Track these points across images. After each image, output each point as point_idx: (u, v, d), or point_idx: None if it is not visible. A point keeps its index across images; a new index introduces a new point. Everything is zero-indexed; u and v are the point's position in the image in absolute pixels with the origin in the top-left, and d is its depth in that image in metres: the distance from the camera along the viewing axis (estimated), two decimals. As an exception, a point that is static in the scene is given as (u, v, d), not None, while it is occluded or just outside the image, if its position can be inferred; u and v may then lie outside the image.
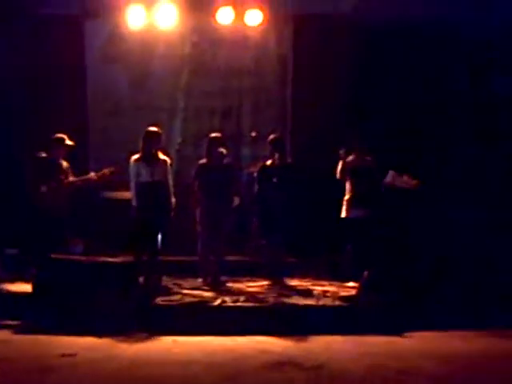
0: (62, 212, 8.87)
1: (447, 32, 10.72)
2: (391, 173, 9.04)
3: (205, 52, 11.37)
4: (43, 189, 8.69)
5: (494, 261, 8.86)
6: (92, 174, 8.99)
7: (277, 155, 8.73)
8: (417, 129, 10.61)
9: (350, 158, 9.08)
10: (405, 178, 9.10)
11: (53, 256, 7.97)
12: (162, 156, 8.57)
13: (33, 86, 10.56)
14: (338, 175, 9.06)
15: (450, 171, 10.10)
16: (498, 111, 10.79)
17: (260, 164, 9.04)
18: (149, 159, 8.43)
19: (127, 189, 9.19)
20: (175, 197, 8.65)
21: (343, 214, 9.04)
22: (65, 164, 9.00)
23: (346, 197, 9.03)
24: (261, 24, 10.63)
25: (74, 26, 10.92)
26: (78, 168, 9.30)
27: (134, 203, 8.51)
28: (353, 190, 8.96)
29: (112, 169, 8.96)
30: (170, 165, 8.72)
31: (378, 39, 10.84)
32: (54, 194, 8.70)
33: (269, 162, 8.81)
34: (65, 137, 8.95)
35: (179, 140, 10.30)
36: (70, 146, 8.95)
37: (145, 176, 8.41)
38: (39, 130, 9.23)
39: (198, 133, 10.88)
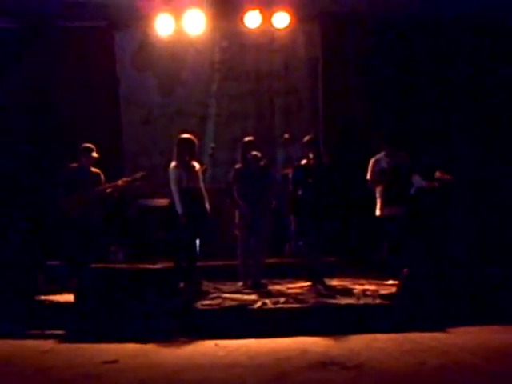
0: (96, 221, 8.94)
1: (480, 24, 10.66)
2: (416, 178, 9.03)
3: (234, 56, 11.46)
4: (73, 198, 8.78)
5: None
6: (121, 180, 9.05)
7: (311, 156, 8.71)
8: (451, 127, 10.57)
9: (380, 156, 9.05)
10: (437, 173, 9.08)
11: (93, 265, 8.06)
12: (194, 163, 8.62)
13: (67, 97, 10.71)
14: (368, 176, 9.05)
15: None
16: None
17: (295, 165, 9.01)
18: (186, 166, 8.46)
19: (162, 196, 9.30)
20: (210, 202, 8.67)
21: (377, 213, 9.03)
22: (95, 172, 9.08)
23: (379, 195, 9.01)
24: (288, 26, 10.62)
25: (104, 37, 11.09)
26: (114, 177, 9.38)
27: (179, 210, 8.49)
28: (385, 188, 8.92)
29: (142, 173, 9.05)
30: (205, 170, 8.75)
31: (407, 35, 10.84)
32: (84, 203, 8.78)
33: (303, 163, 8.80)
34: (92, 146, 9.03)
35: (212, 145, 10.30)
36: (95, 157, 9.03)
37: (184, 182, 8.44)
38: (74, 141, 9.31)
39: (231, 137, 10.94)
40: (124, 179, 9.04)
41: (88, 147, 9.01)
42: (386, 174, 8.90)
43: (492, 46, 10.82)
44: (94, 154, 9.01)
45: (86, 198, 8.83)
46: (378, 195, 9.03)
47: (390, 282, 8.58)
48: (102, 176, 9.10)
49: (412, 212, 8.89)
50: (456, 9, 10.33)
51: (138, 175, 9.08)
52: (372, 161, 9.06)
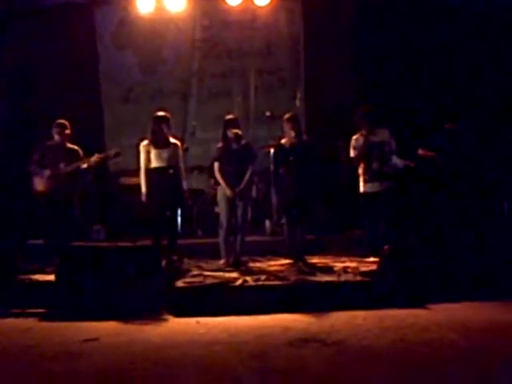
0: (71, 198, 8.82)
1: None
2: (395, 160, 9.03)
3: (215, 34, 11.42)
4: (46, 173, 8.66)
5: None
6: (94, 157, 8.85)
7: (292, 133, 8.68)
8: (431, 104, 10.57)
9: (361, 133, 9.02)
10: (420, 151, 9.10)
11: (74, 244, 8.04)
12: (172, 140, 8.60)
13: (46, 74, 10.64)
14: (352, 153, 9.03)
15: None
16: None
17: (276, 143, 9.00)
18: (159, 144, 8.45)
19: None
20: (192, 180, 8.67)
21: (360, 189, 9.01)
22: (71, 148, 8.89)
23: (361, 172, 8.99)
24: (270, 3, 10.58)
25: (84, 13, 10.99)
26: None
27: (143, 189, 8.56)
28: (367, 165, 8.91)
29: (116, 150, 8.97)
30: (186, 149, 8.72)
31: (391, 13, 10.83)
32: (57, 180, 8.66)
33: (284, 141, 8.78)
34: (65, 122, 8.85)
35: (194, 123, 10.31)
36: (68, 134, 8.86)
37: (155, 161, 8.45)
38: (55, 118, 9.24)
39: (212, 115, 10.91)
40: (97, 155, 8.88)
41: (61, 123, 8.82)
42: (367, 148, 8.87)
43: (482, 29, 10.84)
44: (67, 131, 8.83)
45: (58, 174, 8.66)
46: (360, 172, 9.00)
47: (371, 259, 8.61)
48: (81, 152, 8.89)
49: (394, 189, 8.87)
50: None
51: (112, 152, 8.99)
52: (354, 138, 9.02)
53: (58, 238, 8.48)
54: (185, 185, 8.65)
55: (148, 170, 8.56)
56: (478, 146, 9.34)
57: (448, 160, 9.08)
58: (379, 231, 8.76)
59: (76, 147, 8.91)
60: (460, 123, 9.30)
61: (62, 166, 8.65)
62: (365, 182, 8.92)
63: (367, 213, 8.94)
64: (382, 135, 8.96)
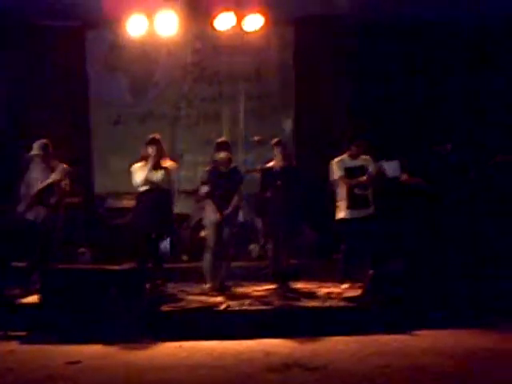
0: (52, 221, 8.71)
1: (443, 29, 10.76)
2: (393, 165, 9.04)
3: (207, 58, 11.45)
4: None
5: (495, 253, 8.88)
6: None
7: (280, 158, 8.71)
8: (421, 128, 10.61)
9: (342, 157, 8.96)
10: (404, 176, 9.09)
11: (58, 266, 8.01)
12: (165, 163, 8.60)
13: (36, 96, 10.64)
14: (334, 176, 8.96)
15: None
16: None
17: (263, 167, 9.01)
18: (151, 167, 8.44)
19: (132, 197, 9.26)
20: (179, 203, 8.68)
21: (340, 215, 8.87)
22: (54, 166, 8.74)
23: (341, 197, 8.88)
24: (262, 29, 10.62)
25: (75, 36, 11.03)
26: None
27: (134, 211, 8.55)
28: (349, 191, 8.84)
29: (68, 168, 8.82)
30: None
31: (381, 39, 10.91)
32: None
33: (271, 164, 8.80)
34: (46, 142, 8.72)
35: (181, 147, 10.34)
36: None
37: (146, 184, 8.44)
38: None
39: (201, 139, 10.95)
40: (53, 176, 8.73)
41: (47, 143, 8.71)
42: (349, 173, 8.86)
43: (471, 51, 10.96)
44: (50, 150, 8.68)
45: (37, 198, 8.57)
46: (339, 197, 8.93)
47: (345, 285, 8.63)
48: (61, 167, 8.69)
49: (375, 215, 8.85)
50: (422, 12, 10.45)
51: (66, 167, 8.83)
52: (335, 161, 8.94)
53: (42, 260, 8.43)
54: (174, 208, 8.64)
55: (139, 193, 8.54)
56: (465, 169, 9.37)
57: (434, 184, 9.07)
58: (358, 256, 8.72)
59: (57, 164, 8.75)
60: (447, 146, 9.32)
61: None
62: (346, 207, 8.84)
63: (344, 238, 8.89)
64: (364, 160, 8.95)
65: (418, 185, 9.11)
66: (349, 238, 8.83)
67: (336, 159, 8.94)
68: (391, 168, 9.23)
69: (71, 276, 7.63)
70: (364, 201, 8.81)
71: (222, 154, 8.67)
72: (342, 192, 8.87)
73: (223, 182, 8.64)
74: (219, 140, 9.00)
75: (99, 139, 11.22)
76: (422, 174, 9.13)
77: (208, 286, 8.66)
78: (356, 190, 8.79)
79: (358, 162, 8.91)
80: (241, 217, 9.10)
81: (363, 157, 8.94)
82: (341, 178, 8.86)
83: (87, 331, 7.15)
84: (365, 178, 8.78)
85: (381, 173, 9.04)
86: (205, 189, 8.73)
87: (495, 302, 7.99)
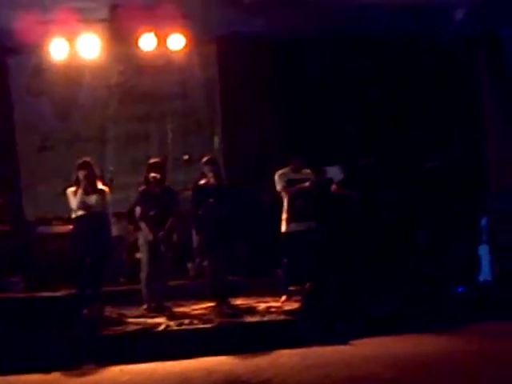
0: None
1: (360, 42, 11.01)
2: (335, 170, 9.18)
3: (131, 79, 11.40)
4: None
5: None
6: None
7: (211, 175, 8.73)
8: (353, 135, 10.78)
9: (285, 170, 9.10)
10: (333, 186, 9.24)
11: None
12: (100, 186, 8.51)
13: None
14: (278, 187, 9.06)
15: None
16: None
17: (194, 185, 9.02)
18: (85, 190, 8.34)
19: (63, 223, 9.15)
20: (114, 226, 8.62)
21: (283, 229, 8.97)
22: None
23: (284, 210, 8.99)
24: (184, 48, 10.68)
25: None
26: (13, 206, 9.19)
27: (71, 236, 8.44)
28: (290, 204, 8.96)
29: None
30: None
31: (303, 54, 11.06)
32: None
33: (203, 182, 8.81)
34: None
35: (111, 169, 10.24)
36: None
37: (81, 208, 8.34)
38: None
39: (130, 160, 10.89)
40: None
41: None
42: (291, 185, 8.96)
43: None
44: None
45: None
46: (283, 211, 8.99)
47: (283, 298, 8.69)
48: None
49: (316, 228, 8.94)
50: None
51: None
52: (278, 173, 9.04)
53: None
54: (113, 231, 8.58)
55: (74, 218, 8.41)
56: (393, 180, 9.56)
57: (363, 197, 9.22)
58: (297, 270, 8.79)
59: None
60: (372, 158, 9.51)
61: None
62: (287, 220, 8.94)
63: (285, 252, 8.98)
64: (306, 174, 9.06)
65: (347, 195, 9.24)
66: (289, 251, 8.90)
67: (279, 172, 9.04)
68: (333, 172, 9.37)
69: (6, 305, 7.50)
70: (305, 214, 8.89)
71: (154, 175, 8.66)
72: (285, 205, 8.95)
73: (156, 202, 8.62)
74: (151, 161, 8.99)
75: (26, 165, 11.03)
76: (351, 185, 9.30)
77: (145, 307, 8.62)
78: (297, 203, 8.87)
79: (300, 175, 9.02)
80: (175, 237, 9.04)
81: (305, 170, 9.06)
82: (283, 188, 8.95)
83: (26, 361, 7.01)
84: (307, 183, 8.89)
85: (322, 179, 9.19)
86: (138, 210, 8.70)
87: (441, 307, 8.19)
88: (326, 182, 9.36)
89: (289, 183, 8.99)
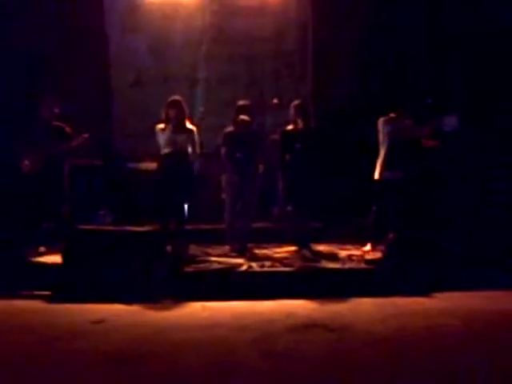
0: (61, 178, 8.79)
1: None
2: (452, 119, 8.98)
3: (225, 20, 11.36)
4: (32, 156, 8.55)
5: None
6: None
7: (300, 120, 8.67)
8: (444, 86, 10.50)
9: (388, 118, 8.86)
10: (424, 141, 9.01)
11: (81, 227, 8.10)
12: (188, 125, 8.57)
13: (56, 59, 10.61)
14: (381, 133, 8.83)
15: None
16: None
17: (282, 130, 9.00)
18: (174, 128, 8.41)
19: (151, 159, 9.29)
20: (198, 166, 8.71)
21: (376, 176, 8.82)
22: (58, 126, 8.77)
23: (380, 159, 8.82)
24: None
25: (93, -2, 10.98)
26: (103, 140, 9.38)
27: (157, 172, 8.59)
28: (388, 152, 8.75)
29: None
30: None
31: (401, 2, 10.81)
32: (44, 160, 8.55)
33: (291, 127, 8.77)
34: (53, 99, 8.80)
35: (201, 109, 10.30)
36: (57, 112, 8.75)
37: (169, 145, 8.43)
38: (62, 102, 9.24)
39: (220, 101, 10.92)
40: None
41: (49, 100, 8.79)
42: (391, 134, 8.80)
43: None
44: (56, 110, 8.73)
45: (45, 155, 8.55)
46: (379, 158, 8.83)
47: (367, 247, 8.70)
48: (68, 129, 8.78)
49: (409, 178, 8.79)
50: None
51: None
52: (382, 119, 8.82)
53: (64, 221, 8.51)
54: (196, 170, 8.67)
55: (161, 155, 8.51)
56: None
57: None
58: (385, 218, 8.72)
59: (62, 124, 8.80)
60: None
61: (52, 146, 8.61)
62: (382, 168, 8.75)
63: (377, 200, 8.89)
64: (408, 124, 8.85)
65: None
66: (380, 199, 8.81)
67: (382, 118, 8.83)
68: (450, 122, 9.14)
69: (94, 236, 7.74)
70: (399, 163, 8.75)
71: (242, 117, 8.68)
72: (382, 153, 8.79)
73: (243, 144, 8.66)
74: (240, 103, 9.00)
75: (119, 100, 11.21)
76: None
77: (228, 247, 8.73)
78: (394, 152, 8.70)
79: (404, 125, 8.82)
80: (260, 180, 9.05)
81: (408, 121, 8.86)
82: (388, 133, 8.75)
83: (110, 291, 7.24)
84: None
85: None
86: (223, 151, 8.76)
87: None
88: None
89: (393, 131, 8.79)
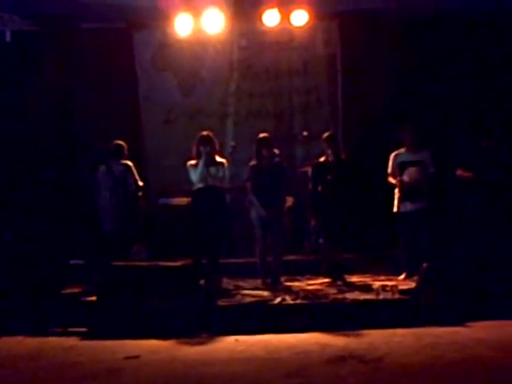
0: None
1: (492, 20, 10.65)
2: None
3: (253, 55, 11.50)
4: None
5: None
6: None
7: (330, 152, 8.71)
8: (471, 120, 10.46)
9: (400, 151, 9.03)
10: (458, 171, 8.97)
11: (115, 263, 8.16)
12: (219, 159, 8.66)
13: (87, 99, 10.80)
14: (388, 170, 9.04)
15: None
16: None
17: (314, 162, 9.04)
18: (206, 163, 8.48)
19: (182, 194, 9.37)
20: (230, 200, 8.76)
21: (394, 209, 8.95)
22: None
23: (396, 191, 8.93)
24: (307, 24, 10.66)
25: (123, 38, 11.17)
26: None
27: (191, 207, 8.65)
28: (401, 185, 8.86)
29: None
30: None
31: (427, 32, 10.84)
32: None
33: (322, 159, 8.82)
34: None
35: (232, 144, 10.39)
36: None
37: (202, 180, 8.51)
38: (95, 142, 9.42)
39: (251, 136, 10.95)
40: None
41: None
42: (402, 167, 8.88)
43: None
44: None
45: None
46: (395, 191, 8.96)
47: (402, 277, 8.65)
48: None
49: (429, 208, 8.82)
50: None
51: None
52: (393, 155, 9.04)
53: (99, 258, 8.61)
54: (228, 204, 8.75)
55: (194, 190, 8.61)
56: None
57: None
58: (414, 249, 8.71)
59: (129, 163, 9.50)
60: (495, 139, 9.17)
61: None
62: (399, 201, 8.86)
63: (401, 232, 8.92)
64: (422, 155, 8.92)
65: (471, 178, 8.95)
66: (404, 230, 8.86)
67: (394, 152, 9.01)
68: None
69: (128, 272, 7.79)
70: (417, 193, 8.78)
71: (264, 150, 8.71)
72: (396, 185, 8.92)
73: (266, 177, 8.68)
74: (261, 135, 9.02)
75: (150, 138, 11.36)
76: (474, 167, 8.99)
77: (261, 280, 8.73)
78: (407, 184, 8.78)
79: (414, 157, 8.91)
80: (290, 213, 9.06)
81: (421, 151, 8.93)
82: (390, 173, 9.00)
83: (145, 327, 7.29)
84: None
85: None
86: (249, 185, 8.80)
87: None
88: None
89: (401, 166, 8.91)
